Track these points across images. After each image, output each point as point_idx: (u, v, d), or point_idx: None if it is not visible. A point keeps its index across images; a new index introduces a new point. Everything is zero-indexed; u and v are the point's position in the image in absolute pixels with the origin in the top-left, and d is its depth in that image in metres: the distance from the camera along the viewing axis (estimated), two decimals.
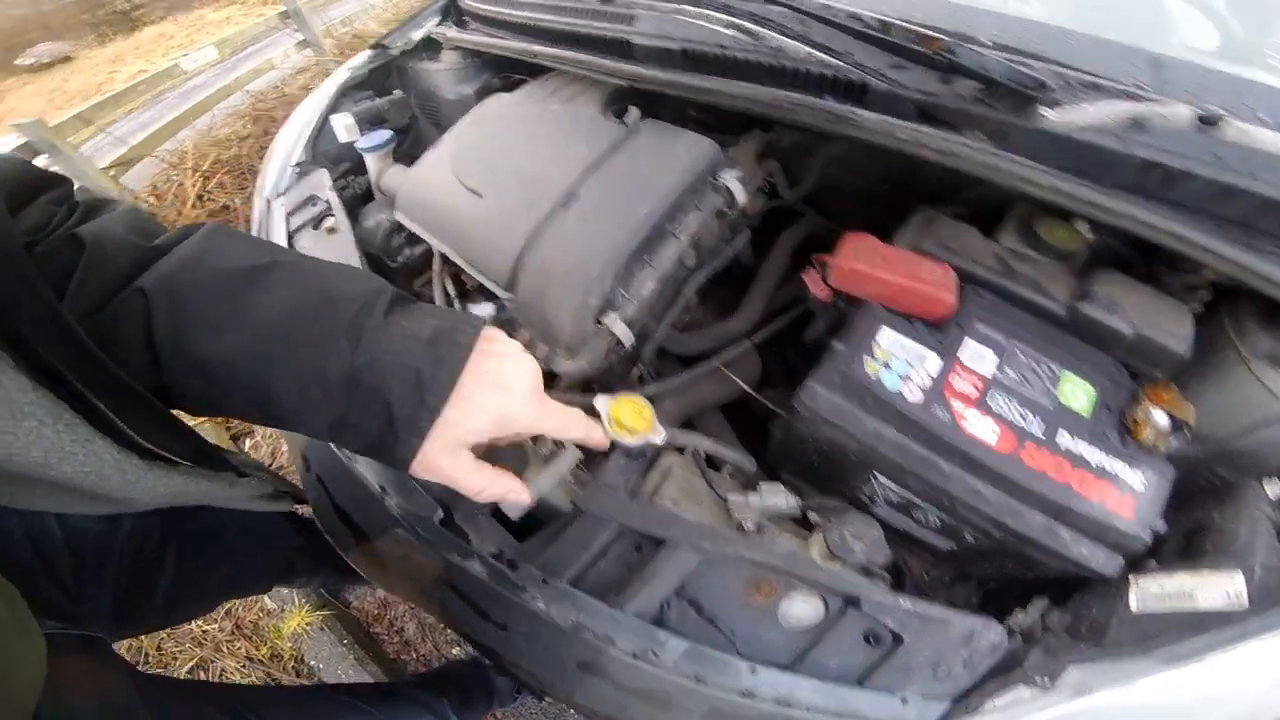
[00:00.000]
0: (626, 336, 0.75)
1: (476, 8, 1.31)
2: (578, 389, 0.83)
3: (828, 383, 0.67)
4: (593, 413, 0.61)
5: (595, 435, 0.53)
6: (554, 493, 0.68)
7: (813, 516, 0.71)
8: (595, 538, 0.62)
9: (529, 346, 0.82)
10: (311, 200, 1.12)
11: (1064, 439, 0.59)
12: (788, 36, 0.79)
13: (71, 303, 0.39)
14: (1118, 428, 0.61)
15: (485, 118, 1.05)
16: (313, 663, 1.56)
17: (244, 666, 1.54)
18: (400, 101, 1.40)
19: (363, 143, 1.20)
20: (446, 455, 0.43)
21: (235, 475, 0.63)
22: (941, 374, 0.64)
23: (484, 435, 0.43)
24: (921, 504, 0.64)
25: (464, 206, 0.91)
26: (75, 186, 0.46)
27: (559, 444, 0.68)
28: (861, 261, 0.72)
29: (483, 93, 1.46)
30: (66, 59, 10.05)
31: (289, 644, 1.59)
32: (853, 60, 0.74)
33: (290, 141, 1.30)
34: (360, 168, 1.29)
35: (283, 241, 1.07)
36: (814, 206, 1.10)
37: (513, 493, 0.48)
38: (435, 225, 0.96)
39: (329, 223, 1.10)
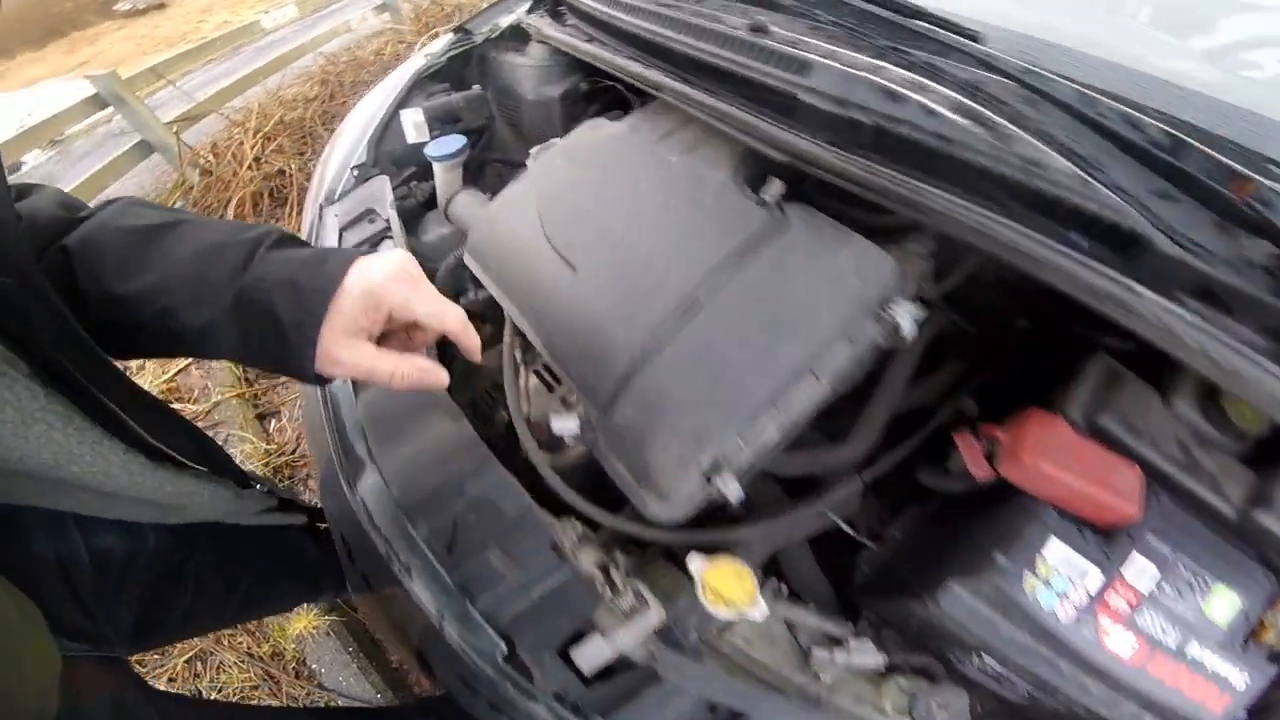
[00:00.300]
0: (736, 496, 0.58)
1: (579, 1, 1.10)
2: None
3: (976, 591, 0.58)
4: (687, 574, 0.58)
5: (470, 339, 0.52)
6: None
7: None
8: (671, 705, 0.57)
9: (610, 467, 0.65)
10: (369, 215, 0.97)
11: (1193, 648, 0.56)
12: (1051, 144, 0.55)
13: (16, 258, 0.41)
14: (1245, 631, 0.57)
15: (582, 156, 0.86)
16: (314, 666, 1.52)
17: (243, 662, 1.49)
18: (477, 99, 1.23)
19: (432, 149, 1.04)
20: (340, 347, 0.45)
21: (238, 484, 0.66)
22: (1100, 591, 0.58)
23: (361, 317, 0.46)
24: (1018, 681, 0.59)
25: (553, 278, 0.74)
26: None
27: (641, 600, 0.61)
28: (1051, 460, 0.57)
29: (569, 98, 1.28)
30: (161, 6, 10.35)
31: (292, 645, 1.54)
32: (1112, 183, 0.52)
33: (354, 136, 1.15)
34: (427, 172, 1.14)
35: (332, 241, 0.95)
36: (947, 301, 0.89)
37: (426, 374, 0.49)
38: (514, 290, 0.78)
39: (386, 247, 0.94)
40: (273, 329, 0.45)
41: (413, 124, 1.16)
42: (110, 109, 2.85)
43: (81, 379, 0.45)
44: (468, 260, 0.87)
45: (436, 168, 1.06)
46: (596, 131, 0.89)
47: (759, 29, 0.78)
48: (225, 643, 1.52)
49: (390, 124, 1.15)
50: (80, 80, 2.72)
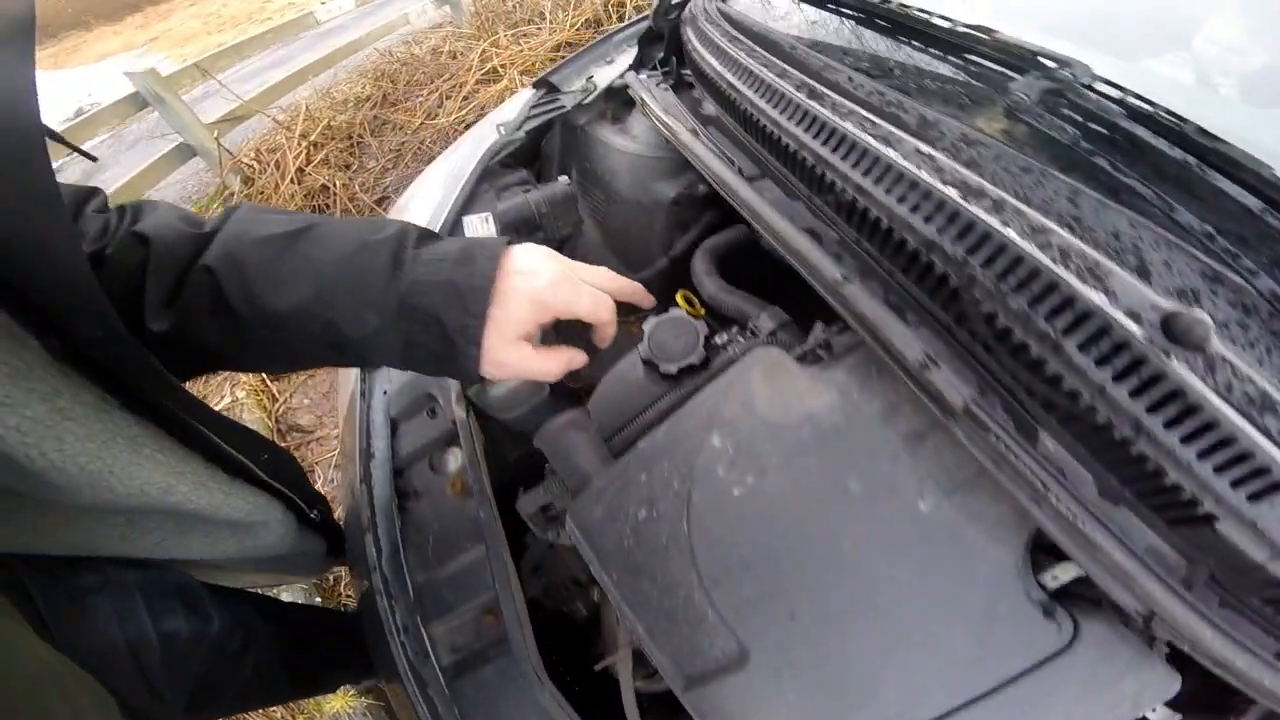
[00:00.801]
0: None
1: (711, 68, 0.74)
2: None
3: None
4: None
5: (608, 331, 0.55)
6: None
7: None
8: None
9: None
10: (428, 406, 0.68)
11: None
12: None
13: (152, 293, 0.45)
14: None
15: (762, 443, 0.54)
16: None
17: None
18: (564, 200, 0.91)
19: None
20: (507, 351, 0.47)
21: (305, 504, 0.68)
22: None
23: (529, 323, 0.48)
24: None
25: (713, 657, 0.48)
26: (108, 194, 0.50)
27: None
28: None
29: (683, 202, 0.95)
30: None
31: None
32: None
33: None
34: None
35: (383, 442, 0.74)
36: None
37: (575, 359, 0.54)
38: (640, 613, 0.52)
39: (452, 461, 0.66)
40: (438, 333, 0.45)
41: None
42: (152, 108, 2.65)
43: (166, 404, 0.46)
44: (569, 528, 0.58)
45: None
46: (778, 389, 0.55)
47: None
48: (261, 712, 1.46)
49: (455, 233, 0.84)
50: (120, 79, 2.52)
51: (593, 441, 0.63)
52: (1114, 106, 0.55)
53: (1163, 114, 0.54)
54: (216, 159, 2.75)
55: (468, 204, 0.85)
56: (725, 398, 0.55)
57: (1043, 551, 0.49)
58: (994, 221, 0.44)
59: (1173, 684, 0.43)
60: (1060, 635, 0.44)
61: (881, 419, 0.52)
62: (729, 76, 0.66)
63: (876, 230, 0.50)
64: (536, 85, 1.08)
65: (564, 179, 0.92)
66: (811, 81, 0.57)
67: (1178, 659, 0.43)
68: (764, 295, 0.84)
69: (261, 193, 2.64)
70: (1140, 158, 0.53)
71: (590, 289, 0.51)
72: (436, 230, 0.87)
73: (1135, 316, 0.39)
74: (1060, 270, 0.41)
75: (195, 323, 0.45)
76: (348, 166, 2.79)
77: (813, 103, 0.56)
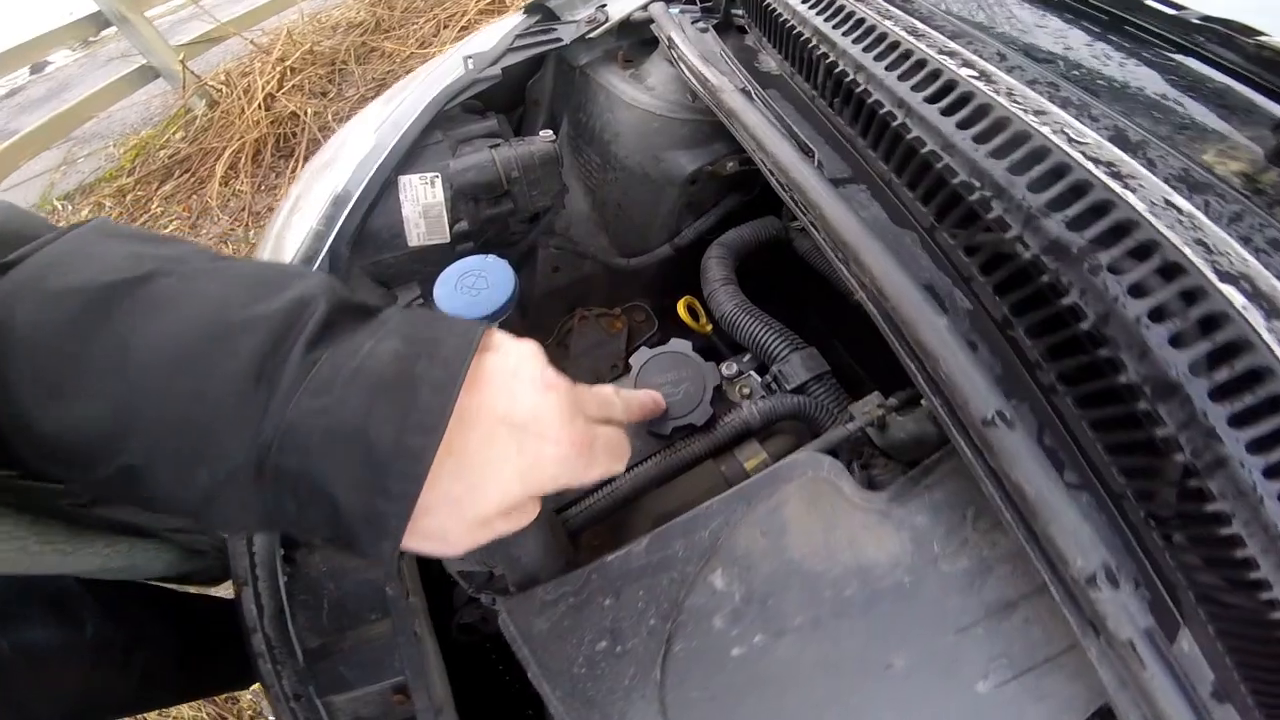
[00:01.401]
0: None
1: (787, 5, 0.50)
2: None
3: None
4: None
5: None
6: None
7: None
8: None
9: None
10: None
11: None
12: None
13: None
14: None
15: (778, 586, 0.37)
16: (271, 718, 1.39)
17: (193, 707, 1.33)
18: (545, 164, 0.68)
19: (447, 299, 0.52)
20: (464, 531, 0.27)
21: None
22: None
23: (510, 502, 0.28)
24: None
25: None
26: None
27: None
28: None
29: (702, 181, 0.73)
30: None
31: (249, 694, 1.37)
32: None
33: (316, 217, 0.62)
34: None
35: None
36: None
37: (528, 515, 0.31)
38: None
39: None
40: (326, 515, 0.25)
41: (420, 208, 0.63)
42: (113, 29, 2.34)
43: None
44: (503, 623, 0.41)
45: None
46: (823, 524, 0.36)
47: None
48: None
49: (380, 202, 0.62)
50: None
51: (542, 528, 0.43)
52: None
53: None
54: (180, 80, 2.44)
55: (408, 159, 0.63)
56: (743, 520, 0.35)
57: None
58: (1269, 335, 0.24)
59: None
60: None
61: (965, 582, 0.35)
62: (818, 21, 0.42)
63: (1065, 324, 0.29)
64: (528, 10, 0.83)
65: (547, 133, 0.69)
66: (964, 49, 0.34)
67: None
68: (788, 305, 0.63)
69: (225, 115, 2.34)
70: None
71: (606, 436, 0.32)
72: (357, 197, 0.65)
73: None
74: None
75: None
76: (324, 94, 2.49)
77: (978, 81, 0.33)
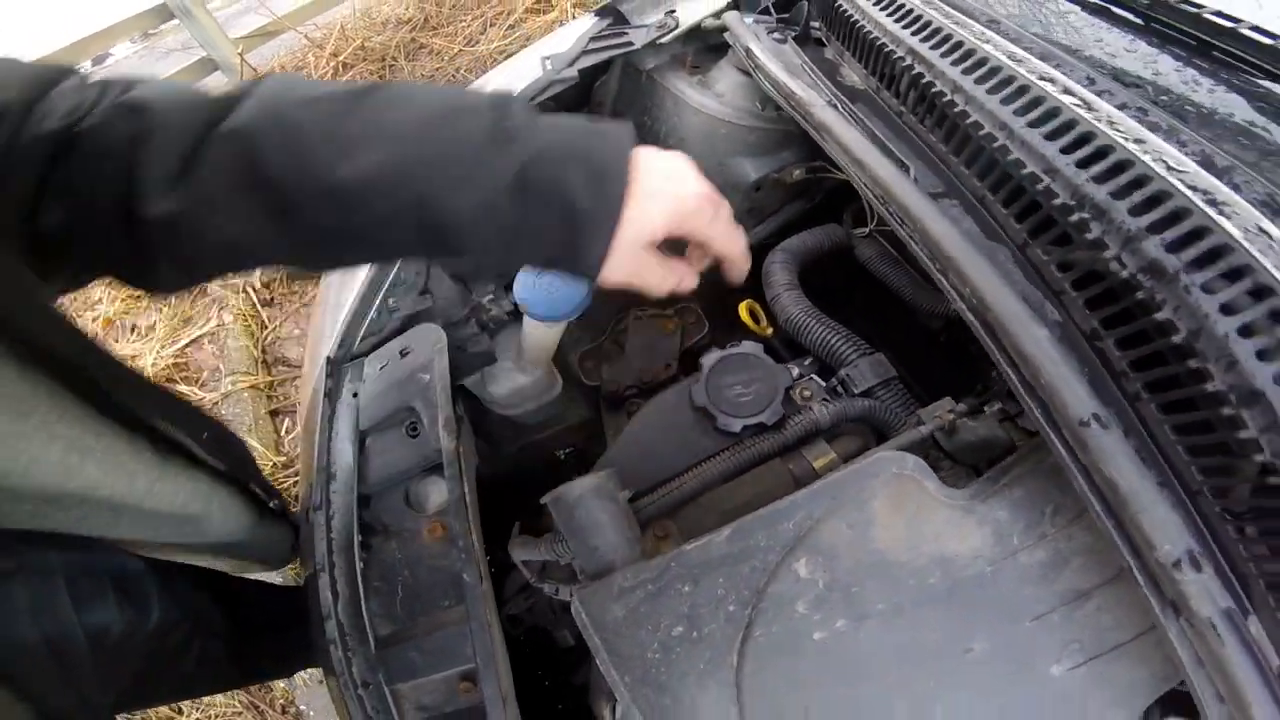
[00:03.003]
0: None
1: (875, 21, 0.52)
2: None
3: None
4: None
5: (739, 270, 0.42)
6: None
7: None
8: None
9: None
10: (408, 422, 0.53)
11: None
12: None
13: (152, 168, 0.33)
14: None
15: (863, 574, 0.39)
16: (302, 707, 1.42)
17: (227, 695, 1.35)
18: None
19: (529, 296, 0.55)
20: (632, 254, 0.36)
21: (262, 493, 0.61)
22: None
23: (659, 232, 0.36)
24: None
25: None
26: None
27: None
28: None
29: (767, 185, 0.75)
30: None
31: (282, 684, 1.41)
32: None
33: None
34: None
35: (348, 461, 0.59)
36: None
37: (687, 278, 0.41)
38: None
39: (434, 496, 0.52)
40: (563, 215, 0.34)
41: None
42: (176, 20, 2.45)
43: (61, 351, 0.38)
44: (576, 612, 0.43)
45: (531, 321, 0.58)
46: (907, 519, 0.38)
47: None
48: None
49: None
50: None
51: (619, 519, 0.46)
52: None
53: None
54: (238, 74, 2.54)
55: None
56: (828, 515, 0.38)
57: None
58: None
59: None
60: None
61: (1042, 572, 0.37)
62: (908, 38, 0.44)
63: (1158, 340, 0.31)
64: (600, 13, 0.86)
65: None
66: (1058, 73, 0.36)
67: None
68: (835, 312, 0.64)
69: None
70: None
71: (730, 221, 0.40)
72: None
73: None
74: None
75: (214, 203, 0.34)
76: None
77: (1078, 107, 0.34)
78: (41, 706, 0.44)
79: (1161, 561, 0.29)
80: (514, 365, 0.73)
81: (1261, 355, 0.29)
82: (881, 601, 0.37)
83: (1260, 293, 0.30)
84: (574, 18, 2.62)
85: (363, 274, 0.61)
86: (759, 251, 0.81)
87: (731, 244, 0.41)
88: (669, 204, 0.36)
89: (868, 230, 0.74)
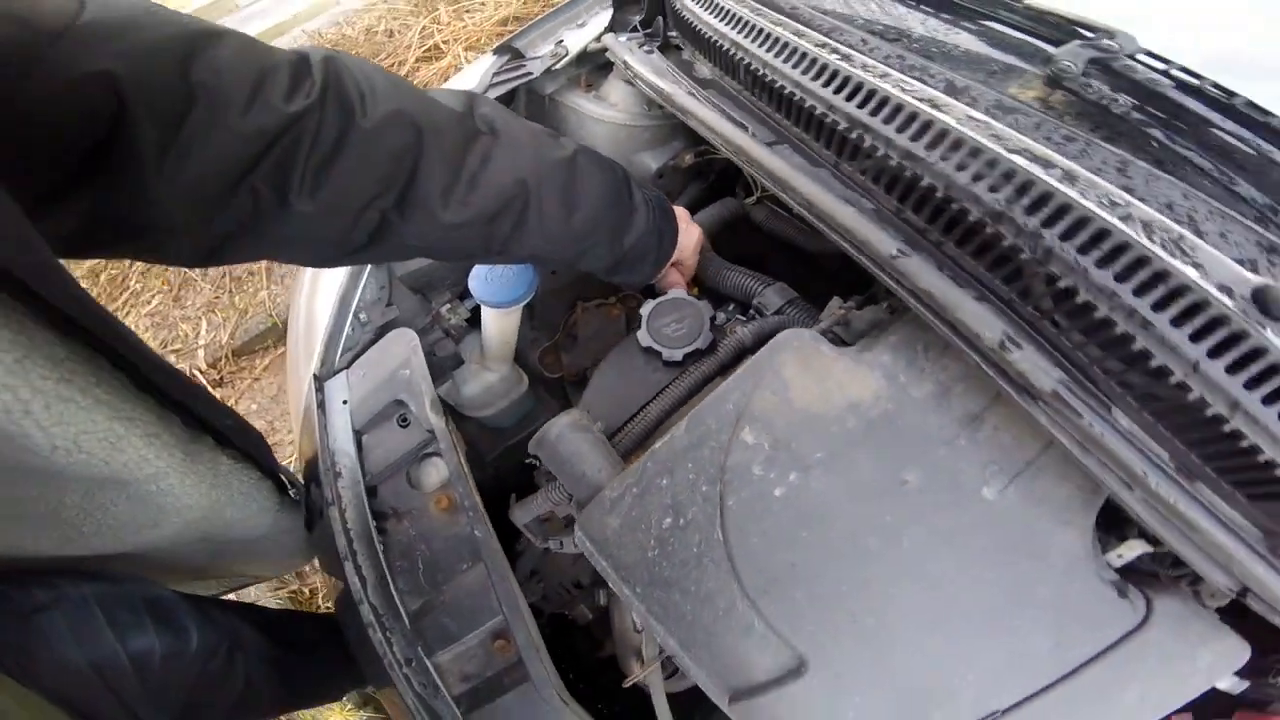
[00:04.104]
0: None
1: (708, 26, 0.65)
2: None
3: None
4: None
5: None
6: None
7: None
8: None
9: None
10: (399, 415, 0.60)
11: None
12: None
13: (430, 182, 0.45)
14: None
15: (803, 442, 0.49)
16: None
17: None
18: None
19: (483, 286, 0.64)
20: (666, 271, 0.67)
21: (281, 483, 0.63)
22: None
23: (674, 260, 0.67)
24: None
25: (766, 669, 0.45)
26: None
27: None
28: None
29: (668, 175, 0.88)
30: None
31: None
32: None
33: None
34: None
35: (350, 458, 0.66)
36: None
37: (675, 287, 0.69)
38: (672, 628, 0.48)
39: (434, 474, 0.58)
40: (642, 261, 0.62)
41: None
42: None
43: (96, 329, 0.39)
44: (580, 540, 0.51)
45: (487, 312, 0.67)
46: (815, 377, 0.49)
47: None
48: None
49: None
50: None
51: (598, 445, 0.56)
52: (1162, 79, 0.51)
53: (1210, 87, 0.51)
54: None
55: None
56: (754, 388, 0.49)
57: (1102, 530, 0.47)
58: (1071, 193, 0.39)
59: (1244, 652, 0.43)
60: (1134, 614, 0.43)
61: (935, 402, 0.48)
62: (734, 35, 0.59)
63: (927, 200, 0.45)
64: (498, 51, 0.97)
65: None
66: (833, 41, 0.51)
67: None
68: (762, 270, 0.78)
69: None
70: (1190, 131, 0.50)
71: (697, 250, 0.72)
72: None
73: (1227, 290, 0.35)
74: (1148, 243, 0.37)
75: (471, 229, 0.47)
76: None
77: (842, 62, 0.49)
78: None
79: (991, 347, 0.40)
80: (480, 365, 0.81)
81: (993, 190, 0.41)
82: (818, 450, 0.47)
83: (976, 151, 0.42)
84: (466, 61, 2.73)
85: (331, 295, 0.68)
86: None
87: (692, 267, 0.71)
88: (686, 253, 0.66)
89: (755, 197, 0.88)
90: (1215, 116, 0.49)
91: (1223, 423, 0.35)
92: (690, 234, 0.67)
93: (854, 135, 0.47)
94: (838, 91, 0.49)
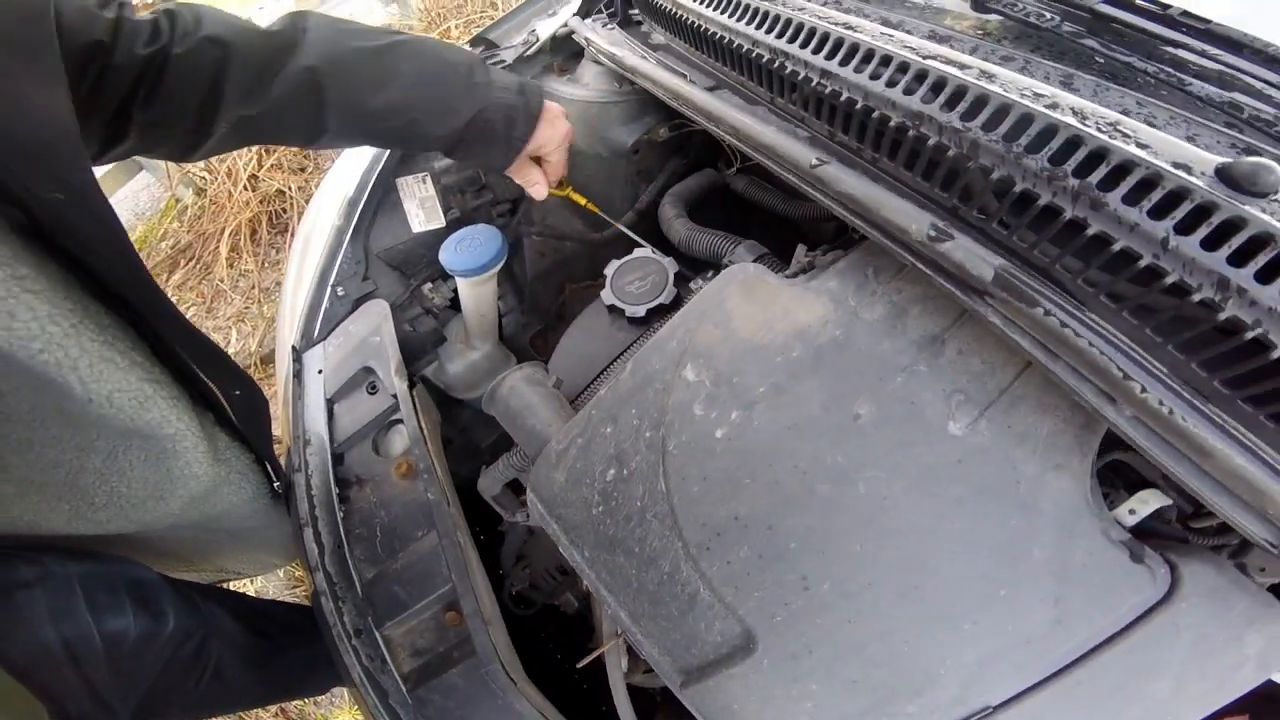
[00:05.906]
0: None
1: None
2: None
3: None
4: None
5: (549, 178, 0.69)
6: None
7: None
8: None
9: None
10: (368, 383, 0.60)
11: None
12: None
13: (237, 93, 0.49)
14: None
15: (747, 376, 0.46)
16: None
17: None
18: None
19: (452, 255, 0.65)
20: (521, 165, 0.65)
21: (274, 471, 0.65)
22: None
23: (535, 150, 0.65)
24: None
25: (716, 653, 0.41)
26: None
27: None
28: None
29: (644, 149, 0.88)
30: None
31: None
32: None
33: (334, 224, 0.75)
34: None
35: (320, 426, 0.67)
36: None
37: (541, 184, 0.67)
38: (630, 604, 0.45)
39: (399, 441, 0.58)
40: (491, 141, 0.61)
41: (417, 201, 0.77)
42: None
43: (132, 296, 0.46)
44: (530, 502, 0.49)
45: (461, 284, 0.67)
46: (759, 306, 0.47)
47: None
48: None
49: (384, 202, 0.75)
50: None
51: (549, 397, 0.55)
52: None
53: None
54: (164, 172, 2.61)
55: (400, 165, 0.77)
56: (698, 323, 0.47)
57: (1107, 483, 0.40)
58: (990, 86, 0.37)
59: None
60: (1154, 584, 0.35)
61: (888, 325, 0.43)
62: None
63: (852, 116, 0.43)
64: (473, 43, 1.00)
65: None
66: None
67: None
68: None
69: (214, 202, 2.51)
70: (1130, 42, 0.47)
71: (566, 150, 0.69)
72: (368, 195, 0.82)
73: (1184, 168, 0.32)
74: (1081, 125, 0.34)
75: (281, 113, 0.51)
76: (302, 169, 2.67)
77: (766, 4, 0.49)
78: (60, 708, 0.46)
79: (921, 240, 0.37)
80: (463, 344, 0.82)
81: (925, 100, 0.38)
82: (761, 384, 0.44)
83: (921, 75, 0.39)
84: None
85: (312, 271, 0.69)
86: (653, 209, 0.93)
87: (559, 167, 0.68)
88: (553, 145, 0.64)
89: (734, 168, 0.87)
90: (1154, 27, 0.46)
91: (1216, 310, 0.30)
92: (556, 127, 0.63)
93: (777, 65, 0.47)
94: (759, 27, 0.48)
